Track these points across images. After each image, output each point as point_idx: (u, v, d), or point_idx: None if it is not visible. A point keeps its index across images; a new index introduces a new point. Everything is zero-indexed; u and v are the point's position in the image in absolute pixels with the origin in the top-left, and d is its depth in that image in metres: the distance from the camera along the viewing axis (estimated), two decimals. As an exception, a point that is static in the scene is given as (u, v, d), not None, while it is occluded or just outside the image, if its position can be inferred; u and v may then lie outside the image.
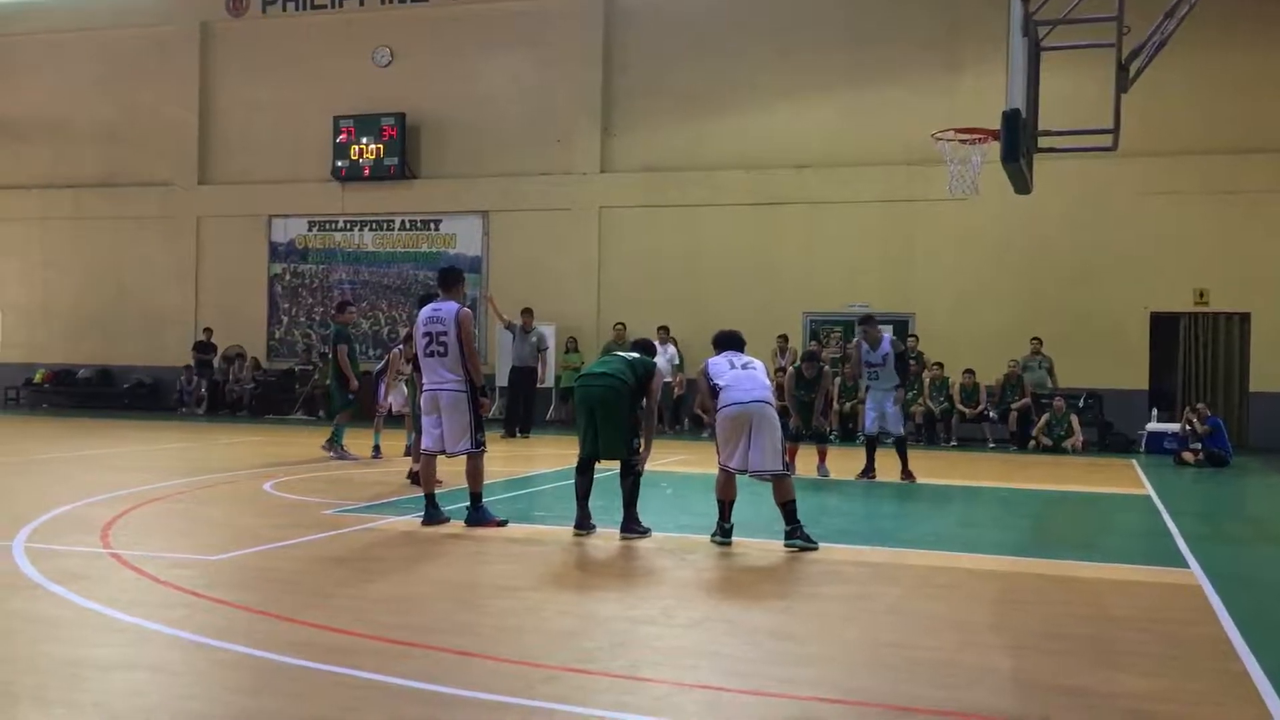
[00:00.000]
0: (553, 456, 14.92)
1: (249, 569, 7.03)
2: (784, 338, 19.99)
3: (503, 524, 8.68)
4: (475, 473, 8.70)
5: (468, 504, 8.74)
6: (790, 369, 14.40)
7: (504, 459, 14.40)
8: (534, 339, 19.09)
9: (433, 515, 8.71)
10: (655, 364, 8.73)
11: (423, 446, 9.09)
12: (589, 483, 8.51)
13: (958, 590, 6.84)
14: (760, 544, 8.25)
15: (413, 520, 8.91)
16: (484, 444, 8.76)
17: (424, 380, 8.89)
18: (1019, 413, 18.53)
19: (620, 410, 8.30)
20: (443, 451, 8.78)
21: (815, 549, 7.92)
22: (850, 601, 6.53)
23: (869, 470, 12.88)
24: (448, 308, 8.73)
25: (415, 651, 5.10)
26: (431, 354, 8.68)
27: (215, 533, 8.65)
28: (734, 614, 6.16)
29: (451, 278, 9.07)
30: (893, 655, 5.26)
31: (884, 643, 5.51)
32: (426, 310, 8.87)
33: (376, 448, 14.33)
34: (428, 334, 8.71)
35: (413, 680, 4.60)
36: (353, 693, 4.51)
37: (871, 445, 13.07)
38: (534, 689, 4.56)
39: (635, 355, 8.66)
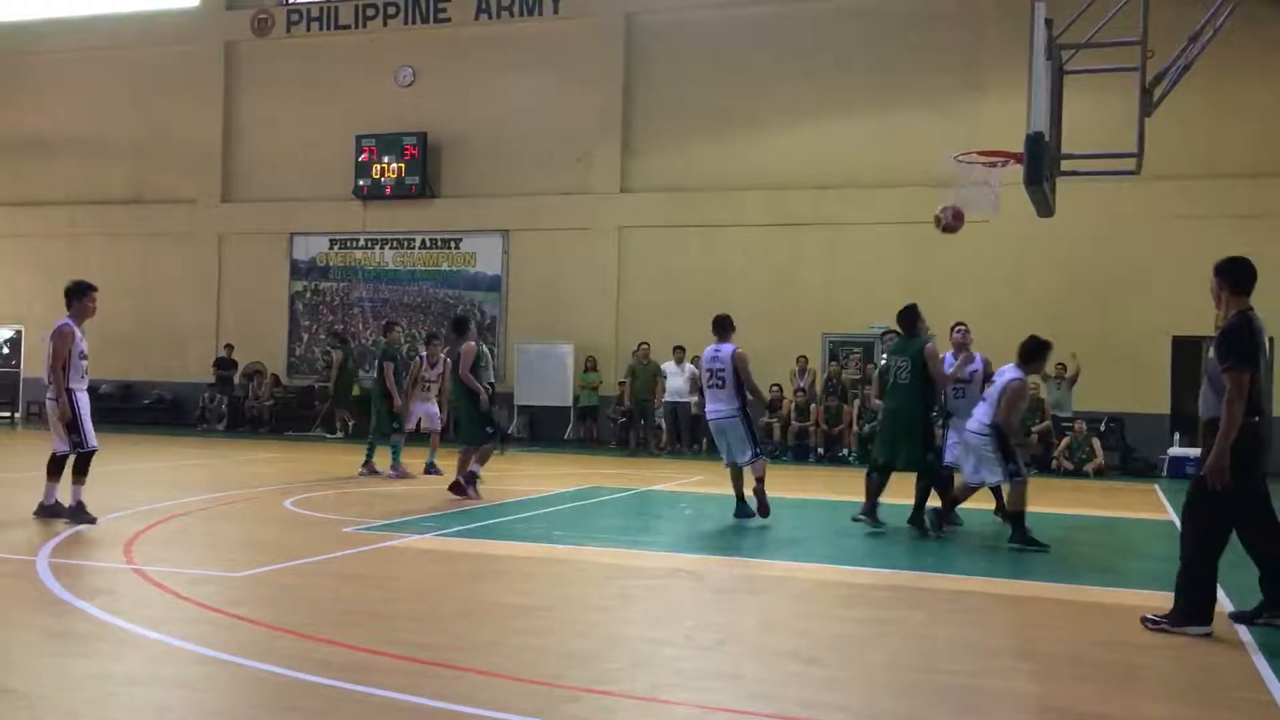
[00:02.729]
0: (571, 476, 14.91)
1: (270, 585, 7.05)
2: (803, 358, 19.95)
3: (753, 515, 10.09)
4: (756, 478, 10.17)
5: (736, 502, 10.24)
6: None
7: (526, 478, 14.42)
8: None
9: (741, 510, 10.28)
10: (924, 342, 9.87)
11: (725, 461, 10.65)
12: (884, 482, 10.01)
13: (980, 614, 6.81)
14: (781, 565, 8.24)
15: (432, 538, 8.93)
16: (762, 454, 10.33)
17: (705, 408, 10.56)
18: (1039, 435, 18.42)
19: (916, 425, 9.68)
20: (734, 463, 10.37)
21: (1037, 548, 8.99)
22: (872, 625, 6.50)
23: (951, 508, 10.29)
24: (725, 349, 10.33)
25: (437, 670, 5.10)
26: (712, 386, 10.31)
27: (237, 549, 8.69)
28: (754, 636, 6.14)
29: (722, 323, 10.57)
30: (915, 679, 5.24)
31: (906, 666, 5.48)
32: (709, 350, 10.47)
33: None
34: (709, 370, 10.38)
35: (435, 699, 4.60)
36: (375, 711, 4.51)
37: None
38: (557, 709, 4.56)
39: (903, 345, 9.96)
